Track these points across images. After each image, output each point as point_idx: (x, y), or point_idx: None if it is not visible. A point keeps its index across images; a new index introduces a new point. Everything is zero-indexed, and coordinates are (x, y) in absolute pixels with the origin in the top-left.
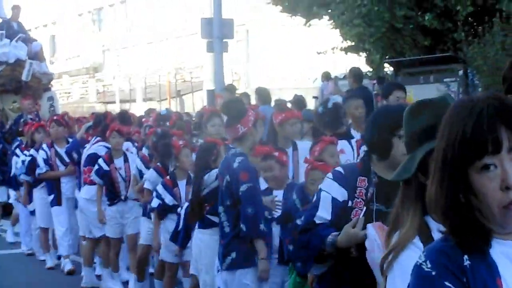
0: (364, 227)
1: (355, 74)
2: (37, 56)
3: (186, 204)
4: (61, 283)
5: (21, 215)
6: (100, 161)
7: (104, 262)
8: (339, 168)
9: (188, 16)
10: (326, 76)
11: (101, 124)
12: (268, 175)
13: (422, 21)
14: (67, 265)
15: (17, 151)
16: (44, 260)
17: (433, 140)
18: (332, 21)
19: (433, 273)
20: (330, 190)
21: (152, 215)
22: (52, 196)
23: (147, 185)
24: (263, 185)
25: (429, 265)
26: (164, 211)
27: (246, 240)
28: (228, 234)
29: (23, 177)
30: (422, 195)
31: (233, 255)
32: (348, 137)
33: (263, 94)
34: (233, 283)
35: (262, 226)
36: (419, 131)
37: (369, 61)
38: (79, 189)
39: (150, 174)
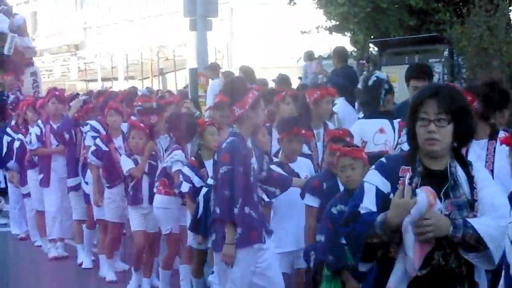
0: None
1: (339, 53)
2: (19, 30)
3: (205, 189)
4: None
5: (12, 197)
6: (98, 141)
7: (100, 247)
8: (383, 159)
9: None
10: (309, 56)
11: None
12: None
13: (408, 0)
14: (51, 251)
15: (8, 130)
16: (40, 246)
17: None
18: (316, 0)
19: None
20: (374, 181)
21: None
22: (41, 176)
23: (179, 167)
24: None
25: None
26: (194, 193)
27: (223, 223)
28: (211, 214)
29: (11, 165)
30: None
31: (213, 236)
32: (389, 115)
33: (247, 73)
34: (216, 262)
35: (236, 210)
36: None
37: (353, 41)
38: (73, 171)
39: (180, 155)
